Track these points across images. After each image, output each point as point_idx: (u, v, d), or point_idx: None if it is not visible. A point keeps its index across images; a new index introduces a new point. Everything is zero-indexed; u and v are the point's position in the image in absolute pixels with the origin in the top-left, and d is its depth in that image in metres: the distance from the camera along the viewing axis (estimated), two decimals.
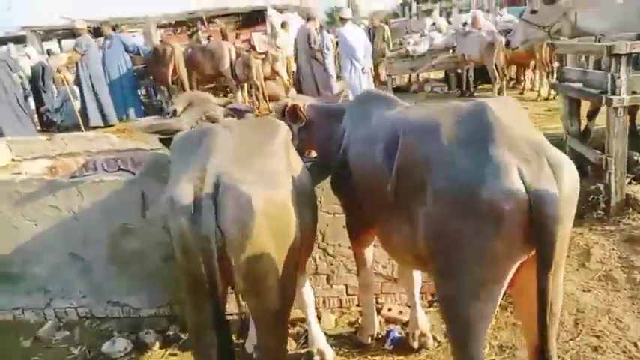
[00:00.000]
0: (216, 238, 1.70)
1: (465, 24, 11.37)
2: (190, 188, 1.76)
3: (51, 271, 3.40)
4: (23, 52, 12.57)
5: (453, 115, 1.74)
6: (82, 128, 8.82)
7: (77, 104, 9.75)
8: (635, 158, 4.11)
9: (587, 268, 3.37)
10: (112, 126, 9.47)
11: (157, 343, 3.19)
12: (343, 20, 8.36)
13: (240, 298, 1.85)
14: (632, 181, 4.07)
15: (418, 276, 2.83)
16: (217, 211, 1.71)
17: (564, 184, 1.53)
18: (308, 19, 9.00)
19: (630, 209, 3.87)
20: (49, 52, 13.79)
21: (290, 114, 3.01)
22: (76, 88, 10.00)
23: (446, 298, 1.76)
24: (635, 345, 2.67)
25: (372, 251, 2.81)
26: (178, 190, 1.77)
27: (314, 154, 3.34)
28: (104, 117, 9.53)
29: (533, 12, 5.26)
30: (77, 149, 4.22)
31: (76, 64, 9.62)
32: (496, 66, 9.03)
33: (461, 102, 1.87)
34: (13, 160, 4.28)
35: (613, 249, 3.52)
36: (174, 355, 3.13)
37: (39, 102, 9.83)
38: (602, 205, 3.90)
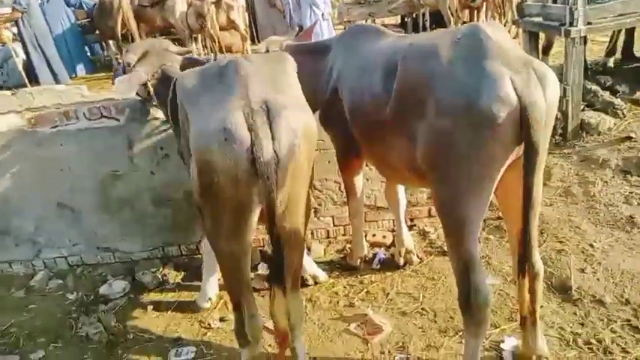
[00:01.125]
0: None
1: None
2: (242, 116, 1.76)
3: (38, 222, 3.39)
4: None
5: (450, 36, 1.89)
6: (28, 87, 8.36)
7: (19, 62, 9.18)
8: (588, 87, 4.45)
9: (549, 186, 3.72)
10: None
11: (155, 283, 3.29)
12: None
13: (271, 222, 1.85)
14: (585, 108, 4.42)
15: (403, 198, 3.05)
16: (272, 136, 1.78)
17: (549, 91, 1.76)
18: None
19: (585, 133, 4.23)
20: None
21: None
22: (19, 46, 9.38)
23: (445, 200, 1.96)
24: (592, 246, 3.05)
25: (362, 179, 2.98)
26: (231, 118, 1.76)
27: None
28: (54, 75, 9.04)
29: None
30: (46, 102, 4.09)
31: (16, 21, 8.98)
32: (450, 9, 9.24)
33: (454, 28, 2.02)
34: None
35: (571, 168, 3.89)
36: (172, 292, 3.23)
37: None
38: (560, 131, 4.24)
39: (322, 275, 3.11)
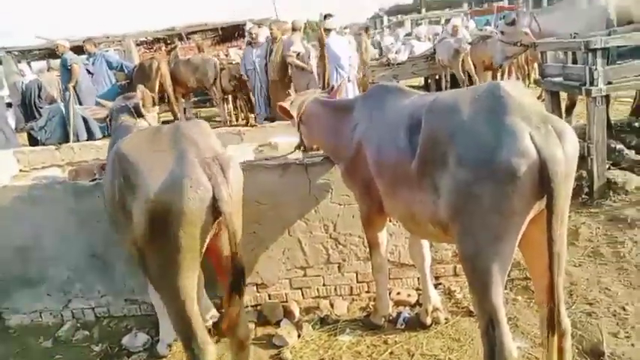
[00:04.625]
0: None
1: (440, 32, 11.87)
2: (199, 167, 2.10)
3: (71, 272, 3.49)
4: (16, 70, 12.54)
5: (471, 93, 2.00)
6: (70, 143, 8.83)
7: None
8: (613, 145, 4.46)
9: (577, 245, 3.66)
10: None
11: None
12: (327, 30, 8.63)
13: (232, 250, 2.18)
14: (611, 167, 4.40)
15: (428, 254, 3.05)
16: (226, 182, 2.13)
17: (567, 146, 1.82)
18: (293, 30, 9.26)
19: (611, 192, 4.19)
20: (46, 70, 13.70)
21: (281, 112, 3.36)
22: (61, 105, 10.00)
23: (468, 254, 1.98)
24: (624, 309, 2.95)
25: (386, 235, 3.01)
26: (193, 169, 2.09)
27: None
28: (89, 132, 9.55)
29: (502, 33, 5.89)
30: (86, 157, 4.35)
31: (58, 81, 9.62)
32: (464, 71, 9.60)
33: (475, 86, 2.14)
34: (20, 170, 4.37)
35: (599, 228, 3.83)
36: None
37: (32, 119, 9.82)
38: (586, 190, 4.22)
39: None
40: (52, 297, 3.56)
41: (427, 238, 2.89)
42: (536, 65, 8.83)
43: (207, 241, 2.20)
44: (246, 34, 9.47)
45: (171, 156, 2.16)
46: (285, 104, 3.29)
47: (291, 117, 3.31)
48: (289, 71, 9.04)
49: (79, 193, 3.30)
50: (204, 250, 2.21)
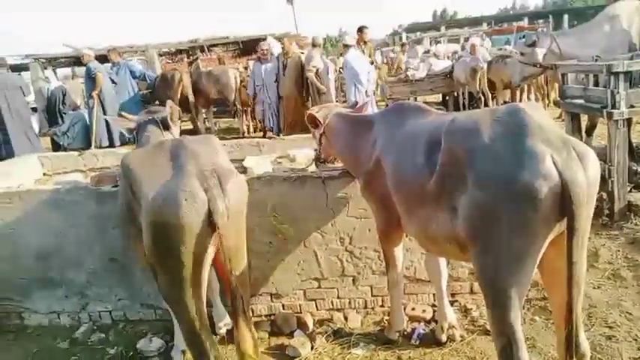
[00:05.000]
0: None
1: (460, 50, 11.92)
2: (196, 180, 2.10)
3: (90, 276, 3.55)
4: (42, 77, 12.90)
5: (491, 115, 2.01)
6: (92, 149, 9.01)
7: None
8: (635, 168, 4.41)
9: (597, 268, 3.61)
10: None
11: None
12: (346, 47, 8.73)
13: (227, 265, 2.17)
14: (633, 189, 4.35)
15: (445, 270, 3.04)
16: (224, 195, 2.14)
17: (589, 169, 1.82)
18: (313, 45, 9.38)
19: (632, 214, 4.14)
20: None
21: (309, 121, 3.38)
22: (85, 112, 10.25)
23: (487, 274, 1.97)
24: None
25: (402, 250, 3.01)
26: (189, 182, 2.09)
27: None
28: (110, 139, 9.74)
29: (522, 54, 5.94)
30: (109, 164, 4.45)
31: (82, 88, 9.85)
32: (482, 91, 9.65)
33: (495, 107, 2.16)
34: (44, 174, 4.48)
35: (619, 250, 3.77)
36: None
37: (56, 124, 10.06)
38: (607, 212, 4.17)
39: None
40: (70, 299, 3.61)
41: (444, 256, 2.88)
42: (556, 86, 8.83)
43: (210, 253, 2.19)
44: (261, 49, 9.38)
45: (170, 169, 2.18)
46: (315, 113, 3.33)
47: (317, 126, 3.34)
48: (309, 87, 9.11)
49: (101, 199, 3.37)
50: (208, 263, 2.20)
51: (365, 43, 8.74)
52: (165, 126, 3.12)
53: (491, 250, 1.90)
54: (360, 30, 8.92)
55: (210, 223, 2.07)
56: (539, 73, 6.12)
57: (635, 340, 2.85)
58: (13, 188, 3.55)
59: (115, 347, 3.39)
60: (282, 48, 9.25)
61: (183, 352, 3.14)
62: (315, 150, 3.64)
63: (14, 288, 3.61)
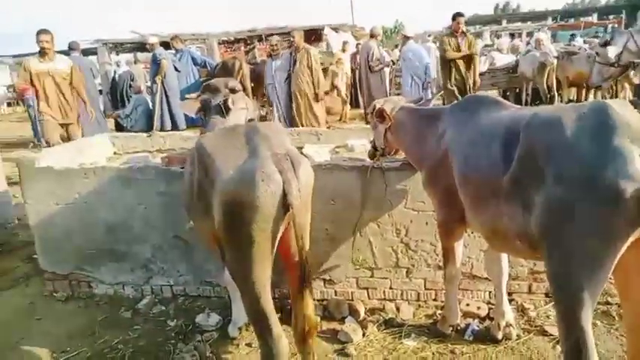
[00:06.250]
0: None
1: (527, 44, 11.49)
2: (272, 162, 2.18)
3: (154, 251, 3.75)
4: (109, 61, 13.53)
5: (575, 110, 1.93)
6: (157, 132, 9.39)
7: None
8: None
9: None
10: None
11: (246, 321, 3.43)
12: (406, 38, 8.64)
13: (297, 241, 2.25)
14: None
15: (506, 268, 2.98)
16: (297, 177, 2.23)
17: None
18: (371, 36, 9.34)
19: None
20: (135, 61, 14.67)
21: (378, 115, 3.30)
22: (148, 97, 10.69)
23: (559, 274, 1.91)
24: None
25: (461, 246, 2.98)
26: (266, 163, 2.17)
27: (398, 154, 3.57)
28: (174, 123, 10.11)
29: (597, 54, 5.63)
30: (174, 146, 4.65)
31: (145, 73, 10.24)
32: (549, 87, 9.20)
33: (577, 103, 2.08)
34: (115, 153, 4.75)
35: None
36: None
37: (121, 107, 10.51)
38: None
39: None
40: (134, 272, 3.83)
41: (510, 253, 2.82)
42: (627, 85, 8.31)
43: (280, 233, 2.27)
44: (268, 45, 8.77)
45: (245, 151, 2.26)
46: (382, 106, 3.31)
47: (383, 120, 3.29)
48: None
49: (170, 179, 3.53)
50: (277, 243, 2.28)
51: (463, 33, 7.66)
52: (226, 109, 3.19)
53: (566, 250, 1.85)
54: (454, 18, 7.71)
55: (284, 204, 2.16)
56: (620, 73, 5.76)
57: None
58: (89, 164, 3.79)
59: (175, 320, 3.56)
60: (293, 42, 8.16)
61: (240, 328, 3.27)
62: (372, 142, 3.62)
63: (85, 258, 3.86)
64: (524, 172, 2.02)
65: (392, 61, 10.74)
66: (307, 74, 7.82)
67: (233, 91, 3.25)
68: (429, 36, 13.90)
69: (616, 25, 22.70)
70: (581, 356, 1.85)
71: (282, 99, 8.33)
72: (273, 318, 2.30)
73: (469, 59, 7.62)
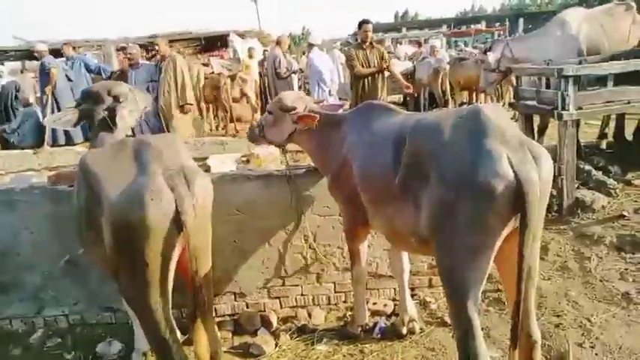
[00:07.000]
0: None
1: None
2: (162, 179, 2.05)
3: (45, 278, 3.43)
4: None
5: (453, 116, 2.11)
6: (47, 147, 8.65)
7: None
8: (582, 166, 4.67)
9: (546, 260, 3.81)
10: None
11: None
12: (311, 45, 8.78)
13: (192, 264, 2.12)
14: (580, 186, 4.60)
15: (407, 265, 3.13)
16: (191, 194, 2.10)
17: (543, 169, 1.93)
18: (277, 43, 9.38)
19: (579, 210, 4.38)
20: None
21: (305, 119, 3.04)
22: (38, 109, 9.83)
23: (446, 266, 2.07)
24: (589, 320, 3.09)
25: (366, 247, 3.08)
26: (155, 181, 2.04)
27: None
28: (68, 136, 9.39)
29: (482, 62, 6.19)
30: (64, 162, 4.31)
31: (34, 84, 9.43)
32: (444, 91, 9.94)
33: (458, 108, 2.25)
34: None
35: (567, 244, 3.99)
36: None
37: (7, 121, 9.56)
38: (556, 207, 4.40)
39: None
40: (23, 303, 3.48)
41: (408, 251, 2.97)
42: (510, 88, 9.18)
43: (176, 254, 2.14)
44: (127, 53, 7.63)
45: (134, 168, 2.11)
46: (289, 100, 3.12)
47: (313, 121, 3.00)
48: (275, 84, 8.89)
49: (57, 199, 3.25)
50: (173, 263, 2.15)
51: (371, 44, 6.38)
52: (112, 120, 2.84)
53: (450, 244, 2.00)
54: (360, 26, 6.40)
55: (177, 223, 2.03)
56: (502, 77, 6.31)
57: (580, 326, 3.04)
58: None
59: (73, 352, 3.29)
60: (158, 51, 7.20)
61: (144, 354, 3.10)
62: (258, 124, 3.34)
63: None
64: (412, 174, 2.16)
65: (300, 68, 10.86)
66: (173, 84, 6.81)
67: (117, 99, 2.88)
68: (335, 43, 14.29)
69: (501, 32, 24.87)
70: (469, 342, 2.00)
71: (151, 122, 6.74)
72: (176, 345, 2.17)
73: (381, 74, 6.39)
